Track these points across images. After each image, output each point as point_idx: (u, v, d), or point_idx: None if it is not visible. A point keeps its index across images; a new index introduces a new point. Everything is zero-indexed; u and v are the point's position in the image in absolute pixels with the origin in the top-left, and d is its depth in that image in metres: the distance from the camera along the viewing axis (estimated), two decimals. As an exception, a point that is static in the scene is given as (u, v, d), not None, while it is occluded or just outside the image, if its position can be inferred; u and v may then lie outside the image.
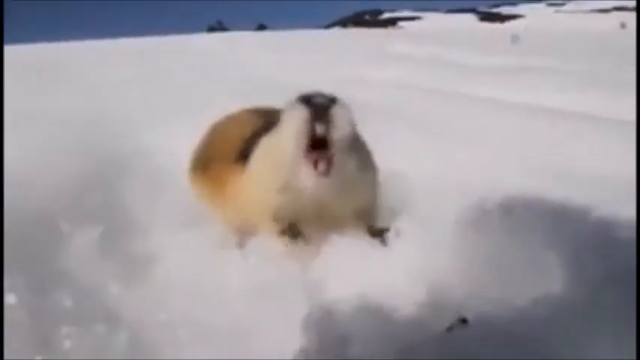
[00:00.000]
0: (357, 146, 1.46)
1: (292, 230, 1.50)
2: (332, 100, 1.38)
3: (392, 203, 1.72)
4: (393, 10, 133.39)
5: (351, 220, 1.56)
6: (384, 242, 1.50)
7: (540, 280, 1.24)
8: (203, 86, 4.59)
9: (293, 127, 1.36)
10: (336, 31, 24.16)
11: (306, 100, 1.37)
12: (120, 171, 2.02)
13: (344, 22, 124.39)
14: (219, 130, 1.86)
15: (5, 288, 1.17)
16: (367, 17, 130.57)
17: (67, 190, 1.75)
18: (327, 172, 1.36)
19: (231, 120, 1.87)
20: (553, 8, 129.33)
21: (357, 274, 1.39)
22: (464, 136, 2.55)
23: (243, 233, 1.63)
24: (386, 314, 1.22)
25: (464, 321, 1.15)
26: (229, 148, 1.66)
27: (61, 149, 1.99)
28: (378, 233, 1.54)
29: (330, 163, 1.36)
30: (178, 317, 1.27)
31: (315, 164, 1.36)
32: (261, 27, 52.87)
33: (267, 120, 1.62)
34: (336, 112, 1.35)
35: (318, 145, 1.35)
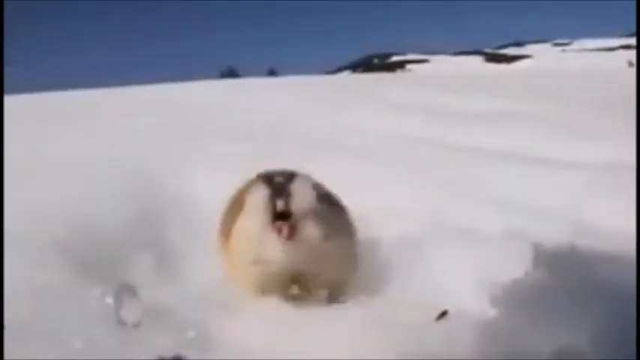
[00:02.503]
0: (324, 214, 1.53)
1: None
2: (290, 177, 1.51)
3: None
4: (401, 54, 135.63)
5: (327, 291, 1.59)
6: None
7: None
8: (212, 136, 4.51)
9: (256, 204, 1.48)
10: (344, 77, 24.58)
11: (267, 179, 1.53)
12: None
13: (354, 66, 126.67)
14: (234, 199, 1.77)
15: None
16: (376, 61, 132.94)
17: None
18: (291, 236, 1.45)
19: (241, 189, 1.75)
20: (559, 48, 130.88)
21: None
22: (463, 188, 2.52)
23: None
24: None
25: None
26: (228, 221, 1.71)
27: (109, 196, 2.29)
28: None
29: (293, 229, 1.46)
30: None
31: (279, 231, 1.46)
32: (272, 72, 53.95)
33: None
34: (295, 187, 1.49)
35: (280, 217, 1.47)
